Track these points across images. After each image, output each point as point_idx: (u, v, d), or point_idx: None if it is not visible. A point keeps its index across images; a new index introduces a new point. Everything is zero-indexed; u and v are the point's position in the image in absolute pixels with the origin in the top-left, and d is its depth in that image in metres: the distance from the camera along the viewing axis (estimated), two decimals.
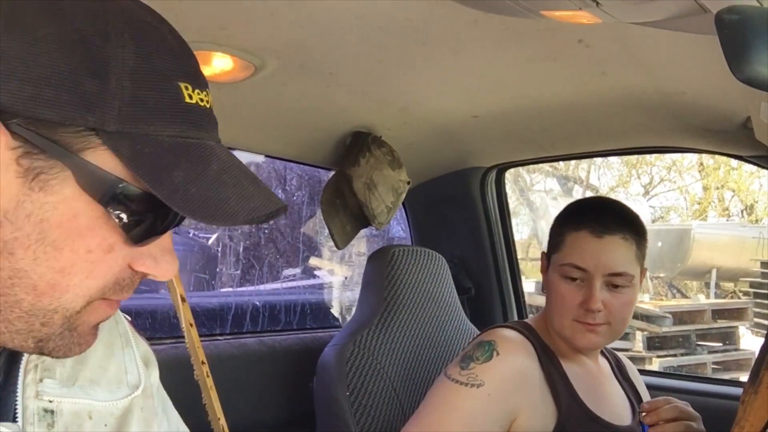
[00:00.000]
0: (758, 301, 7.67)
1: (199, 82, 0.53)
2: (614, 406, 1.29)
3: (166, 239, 0.54)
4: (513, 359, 1.19)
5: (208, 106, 0.53)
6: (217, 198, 0.49)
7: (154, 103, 0.48)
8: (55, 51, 0.46)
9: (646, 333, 6.35)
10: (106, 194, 0.48)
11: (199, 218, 0.48)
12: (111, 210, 0.49)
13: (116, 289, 0.52)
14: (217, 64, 1.23)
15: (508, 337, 1.24)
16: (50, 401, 0.57)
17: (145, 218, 0.50)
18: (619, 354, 1.46)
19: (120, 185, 0.48)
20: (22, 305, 0.49)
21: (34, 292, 0.49)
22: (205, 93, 0.53)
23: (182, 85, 0.50)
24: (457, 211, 2.06)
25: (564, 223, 1.25)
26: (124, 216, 0.49)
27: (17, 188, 0.47)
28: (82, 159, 0.47)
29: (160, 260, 0.53)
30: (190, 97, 0.51)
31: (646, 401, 1.16)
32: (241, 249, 4.25)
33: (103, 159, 0.48)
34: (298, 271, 4.10)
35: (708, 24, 0.65)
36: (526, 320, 1.34)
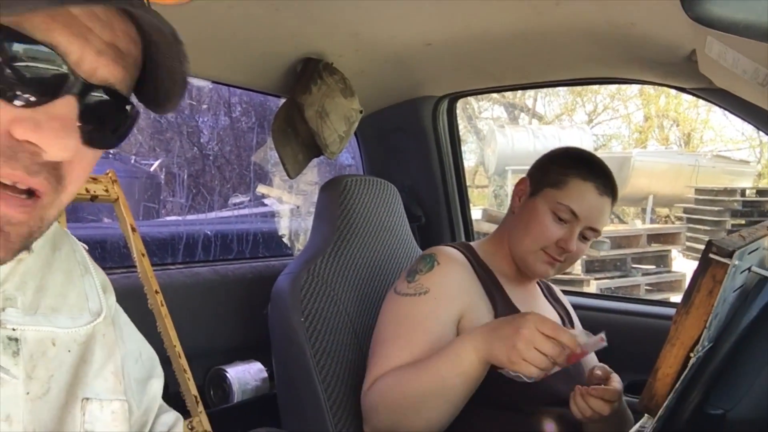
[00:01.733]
0: (691, 225, 8.09)
1: None
2: None
3: (59, 108, 0.50)
4: (452, 267, 1.34)
5: None
6: None
7: None
8: None
9: (584, 257, 6.63)
10: None
11: None
12: None
13: None
14: None
15: (446, 251, 1.38)
16: (14, 329, 0.58)
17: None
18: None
19: None
20: None
21: None
22: None
23: None
24: (409, 141, 2.07)
25: (570, 166, 1.37)
26: None
27: None
28: None
29: (44, 126, 0.49)
30: None
31: (601, 367, 1.25)
32: (185, 176, 4.16)
33: None
34: (246, 199, 4.06)
35: None
36: (468, 242, 1.48)
